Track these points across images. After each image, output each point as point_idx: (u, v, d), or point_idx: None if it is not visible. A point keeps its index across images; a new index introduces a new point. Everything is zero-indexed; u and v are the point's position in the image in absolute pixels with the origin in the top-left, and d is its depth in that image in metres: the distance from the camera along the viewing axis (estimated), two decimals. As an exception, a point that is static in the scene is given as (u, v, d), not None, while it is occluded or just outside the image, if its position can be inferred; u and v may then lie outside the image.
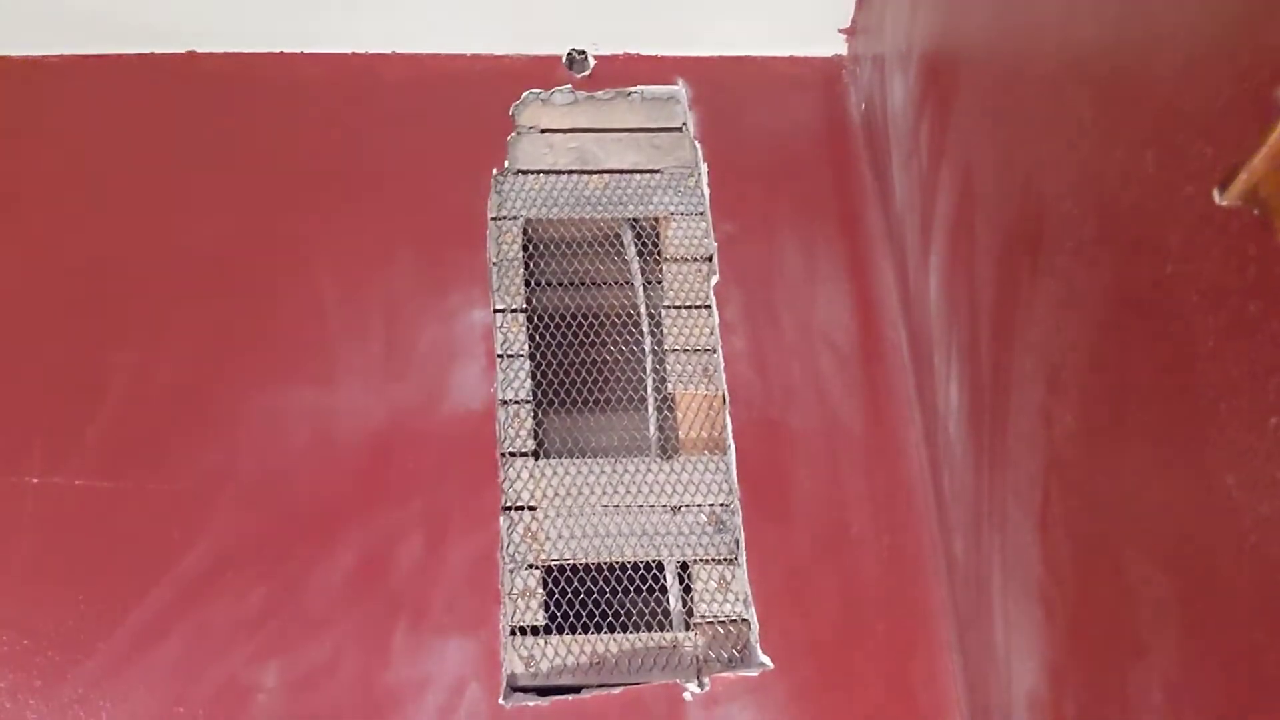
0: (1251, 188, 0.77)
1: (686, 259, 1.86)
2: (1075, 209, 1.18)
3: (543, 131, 1.93)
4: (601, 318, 1.88)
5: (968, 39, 1.52)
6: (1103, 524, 1.14)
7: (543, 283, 1.89)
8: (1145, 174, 1.04)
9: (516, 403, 1.73)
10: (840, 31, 2.01)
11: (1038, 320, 1.27)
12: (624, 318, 1.88)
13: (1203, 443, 0.96)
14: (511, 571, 1.62)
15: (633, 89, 1.97)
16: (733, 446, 1.71)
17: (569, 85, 1.96)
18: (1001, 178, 1.37)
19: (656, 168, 1.92)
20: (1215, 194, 0.83)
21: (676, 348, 1.80)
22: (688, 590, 1.65)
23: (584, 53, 1.97)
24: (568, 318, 1.85)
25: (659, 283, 1.87)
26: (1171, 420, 1.01)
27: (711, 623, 1.62)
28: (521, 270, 1.82)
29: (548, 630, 1.61)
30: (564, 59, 1.97)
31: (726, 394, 1.75)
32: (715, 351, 1.79)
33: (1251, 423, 0.89)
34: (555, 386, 1.79)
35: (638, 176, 1.92)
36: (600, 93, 1.96)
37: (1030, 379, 1.29)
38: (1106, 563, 1.13)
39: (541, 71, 1.96)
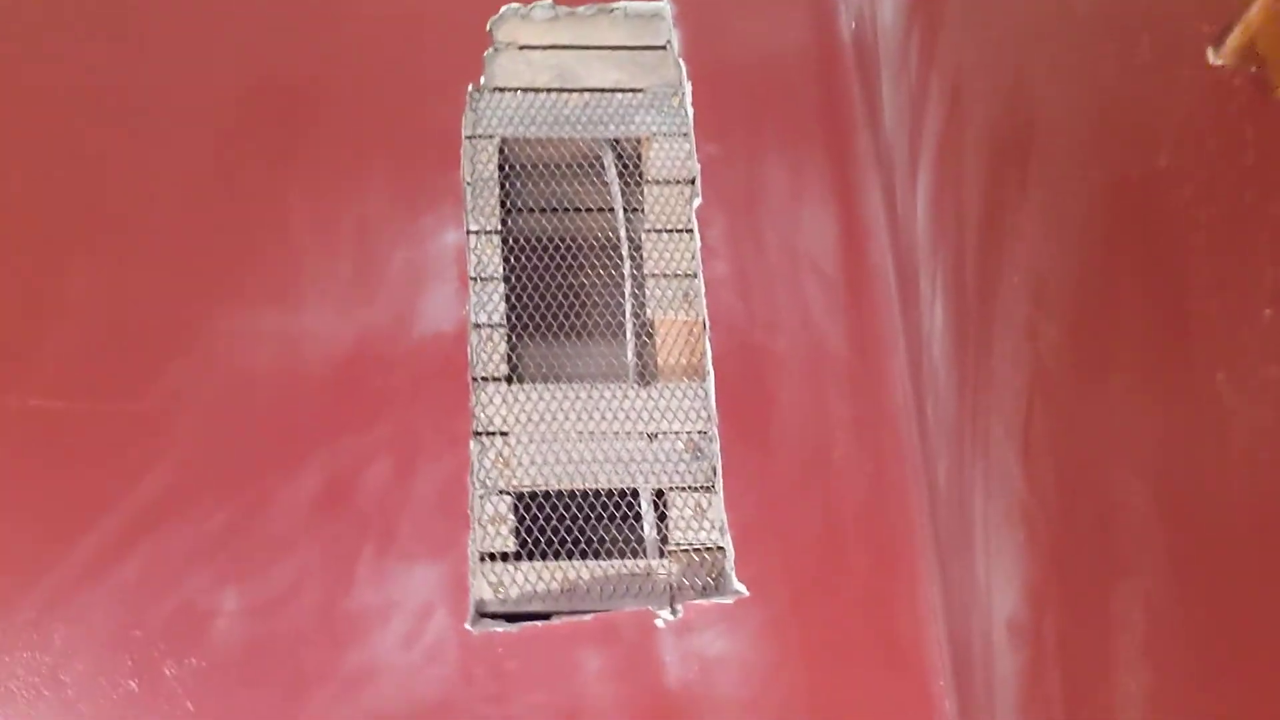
0: (1248, 43, 0.71)
1: (669, 181, 1.80)
2: (1067, 109, 1.12)
3: (521, 48, 1.86)
4: (579, 241, 1.82)
5: (961, -55, 1.45)
6: (1086, 439, 1.09)
7: (519, 205, 1.83)
8: (1140, 61, 0.97)
9: (490, 326, 1.67)
10: (832, -53, 1.94)
11: (1025, 232, 1.21)
12: (603, 241, 1.82)
13: (1192, 345, 0.91)
14: (482, 497, 1.57)
15: (615, 5, 1.89)
16: (712, 373, 1.66)
17: (549, 0, 1.88)
18: (991, 85, 1.31)
19: (639, 87, 1.85)
20: (1210, 53, 0.77)
21: (656, 272, 1.74)
22: (663, 518, 1.61)
23: (565, -33, 1.90)
24: (544, 240, 1.79)
25: (639, 206, 1.81)
26: (1160, 325, 0.96)
27: (686, 550, 1.58)
28: (497, 191, 1.76)
29: (518, 557, 1.56)
30: (544, -27, 1.90)
31: (707, 319, 1.69)
32: (696, 276, 1.73)
33: (1244, 317, 0.84)
34: (530, 311, 1.73)
35: (619, 96, 1.85)
36: (581, 8, 1.89)
37: (1016, 294, 1.24)
38: (1090, 479, 1.08)
39: (520, -14, 1.89)
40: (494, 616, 1.51)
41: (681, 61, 1.86)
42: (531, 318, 1.73)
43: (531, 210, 1.83)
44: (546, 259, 1.77)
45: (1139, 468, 1.00)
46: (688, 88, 1.84)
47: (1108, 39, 1.04)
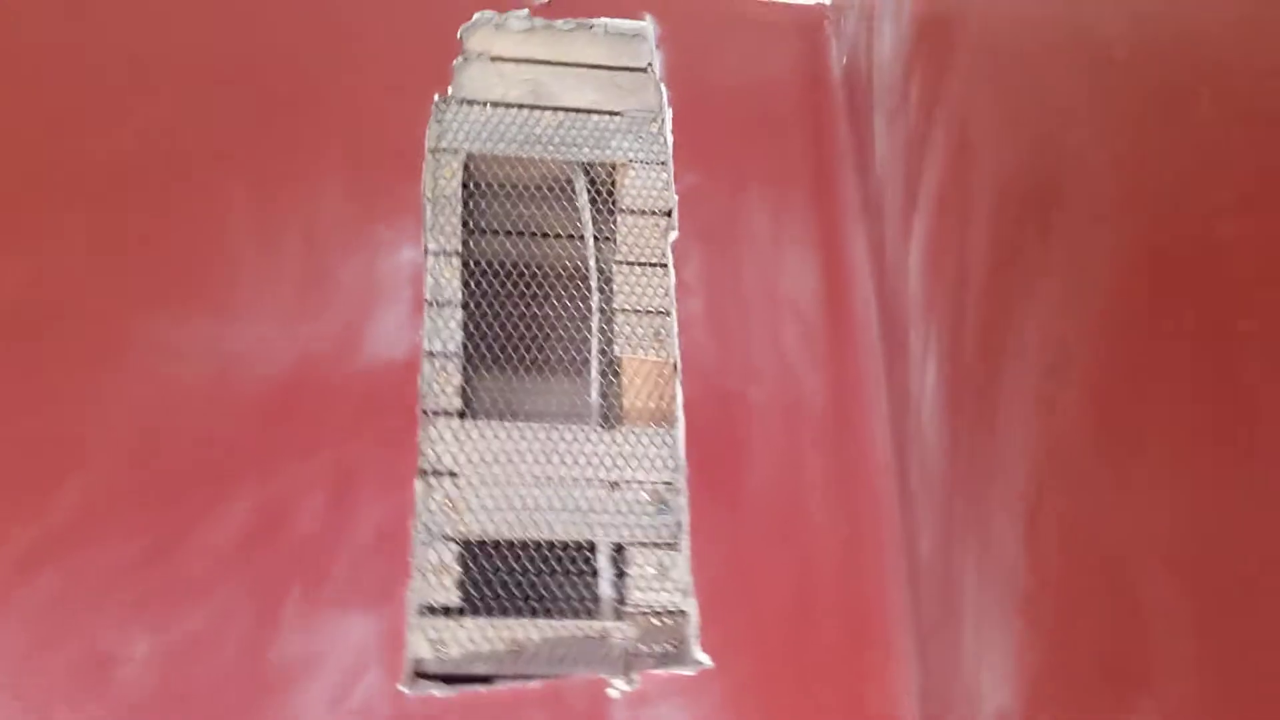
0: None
1: (643, 211, 1.69)
2: (1101, 163, 1.02)
3: (493, 59, 1.74)
4: (545, 269, 1.70)
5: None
6: (1107, 528, 0.99)
7: (482, 226, 1.70)
8: (1197, 118, 0.88)
9: (444, 355, 1.54)
10: (825, -22, 1.85)
11: (1041, 294, 1.12)
12: (570, 271, 1.70)
13: (1249, 433, 0.82)
14: (425, 543, 1.44)
15: (596, 21, 1.78)
16: (681, 419, 1.55)
17: (526, 11, 1.77)
18: (1007, 131, 1.22)
19: (616, 109, 1.74)
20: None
21: (626, 308, 1.63)
22: (622, 575, 1.48)
23: (545, -23, 1.79)
24: (508, 266, 1.67)
25: (611, 235, 1.69)
26: (1210, 411, 0.86)
27: (646, 613, 1.46)
28: (459, 210, 1.63)
29: (462, 611, 1.43)
30: (522, -19, 1.78)
31: (678, 361, 1.58)
32: (669, 314, 1.62)
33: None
34: (489, 341, 1.60)
35: (595, 117, 1.73)
36: (560, 22, 1.77)
37: (1027, 361, 1.14)
38: (1109, 574, 0.98)
39: (497, -7, 1.77)
40: (432, 677, 1.38)
41: (663, 86, 1.75)
42: (490, 348, 1.60)
43: (495, 232, 1.70)
44: (509, 286, 1.65)
45: (1173, 566, 0.90)
46: (668, 114, 1.74)
47: (1155, 90, 0.95)
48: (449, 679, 1.38)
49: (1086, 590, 1.02)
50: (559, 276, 1.70)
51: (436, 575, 1.42)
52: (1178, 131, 0.91)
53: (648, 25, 1.79)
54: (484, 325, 1.60)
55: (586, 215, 1.69)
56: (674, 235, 1.66)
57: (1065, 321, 1.07)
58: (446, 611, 1.42)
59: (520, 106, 1.72)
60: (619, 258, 1.66)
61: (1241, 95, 0.83)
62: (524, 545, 1.50)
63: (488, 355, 1.60)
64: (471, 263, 1.62)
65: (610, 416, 1.59)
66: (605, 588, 1.47)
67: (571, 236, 1.71)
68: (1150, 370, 0.93)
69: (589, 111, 1.74)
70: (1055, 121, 1.11)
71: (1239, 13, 0.85)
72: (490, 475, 1.49)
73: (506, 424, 1.53)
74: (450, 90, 1.70)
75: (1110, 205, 1.01)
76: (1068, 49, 1.09)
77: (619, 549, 1.49)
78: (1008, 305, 1.19)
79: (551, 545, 1.49)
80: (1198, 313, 0.88)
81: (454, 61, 1.72)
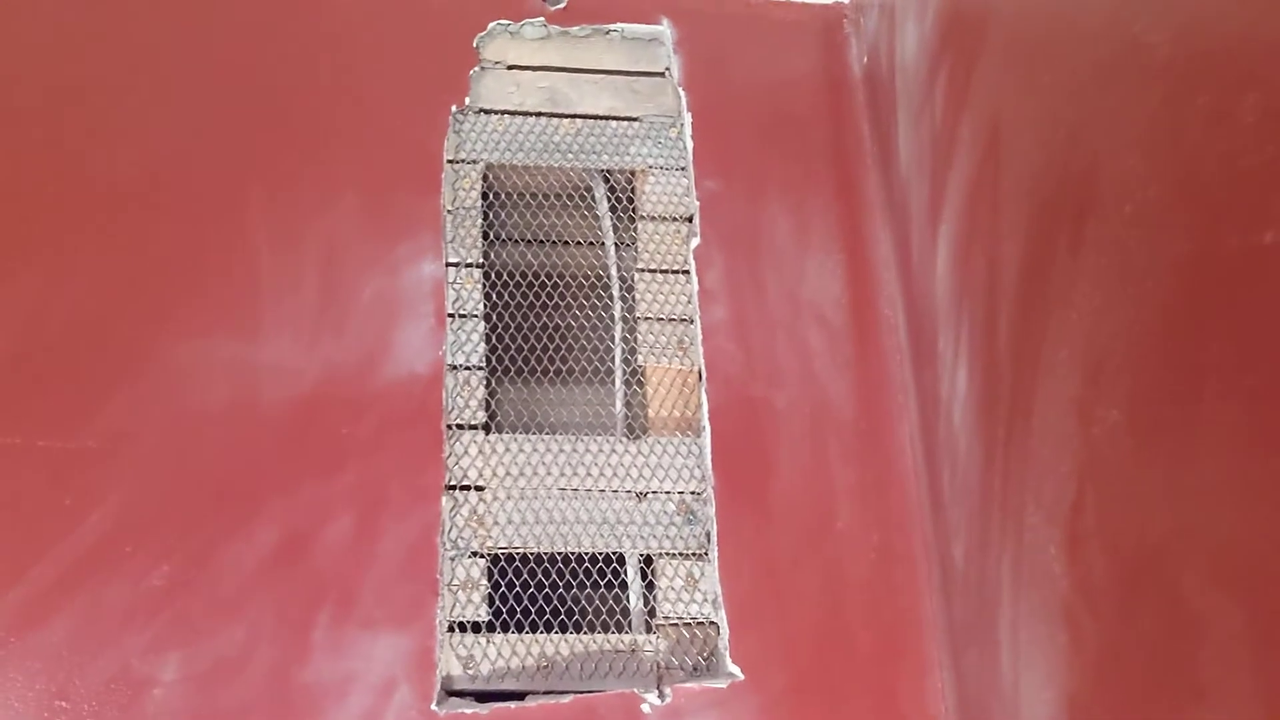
0: None
1: (664, 218, 1.67)
2: (1139, 167, 1.00)
3: (510, 68, 1.73)
4: (567, 278, 1.69)
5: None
6: (1154, 540, 0.97)
7: (502, 236, 1.69)
8: (1241, 123, 0.86)
9: (467, 369, 1.53)
10: (843, -24, 1.83)
11: (1078, 300, 1.10)
12: (592, 280, 1.69)
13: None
14: (453, 559, 1.43)
15: (612, 26, 1.76)
16: (708, 428, 1.53)
17: (541, 18, 1.75)
18: (1039, 132, 1.20)
19: (635, 115, 1.73)
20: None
21: (649, 315, 1.61)
22: (651, 587, 1.47)
23: (560, -17, 1.77)
24: (529, 276, 1.65)
25: (632, 243, 1.67)
26: (1260, 417, 0.84)
27: (676, 625, 1.44)
28: (479, 220, 1.62)
29: (491, 628, 1.42)
30: (537, -12, 1.77)
31: (703, 369, 1.57)
32: (692, 321, 1.60)
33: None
34: (512, 353, 1.59)
35: (613, 124, 1.72)
36: (576, 28, 1.76)
37: (1063, 368, 1.12)
38: (1158, 586, 0.96)
39: (511, 1, 1.75)
40: (463, 695, 1.37)
41: (681, 90, 1.73)
42: (513, 360, 1.59)
43: (516, 242, 1.69)
44: (530, 296, 1.64)
45: (1225, 574, 0.88)
46: (687, 118, 1.72)
47: (1197, 90, 0.93)
48: (480, 696, 1.37)
49: (1133, 599, 1.00)
50: (580, 285, 1.69)
51: (465, 592, 1.41)
52: (1220, 132, 0.89)
53: (664, 29, 1.77)
54: (506, 337, 1.59)
55: (607, 223, 1.68)
56: (696, 241, 1.64)
57: (1104, 325, 1.05)
58: (475, 628, 1.40)
59: (538, 114, 1.70)
60: (640, 265, 1.64)
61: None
62: (551, 559, 1.49)
63: (510, 367, 1.59)
64: (492, 273, 1.61)
65: (635, 426, 1.58)
66: (634, 600, 1.46)
67: (592, 244, 1.70)
68: (1194, 376, 0.91)
69: (607, 118, 1.72)
70: (1091, 120, 1.09)
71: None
72: (516, 489, 1.48)
73: (532, 437, 1.52)
74: (467, 100, 1.68)
75: (1149, 207, 0.98)
76: (1105, 46, 1.07)
77: (647, 560, 1.48)
78: (1043, 307, 1.16)
79: (579, 558, 1.48)
80: (1242, 317, 0.86)
81: (470, 71, 1.70)
